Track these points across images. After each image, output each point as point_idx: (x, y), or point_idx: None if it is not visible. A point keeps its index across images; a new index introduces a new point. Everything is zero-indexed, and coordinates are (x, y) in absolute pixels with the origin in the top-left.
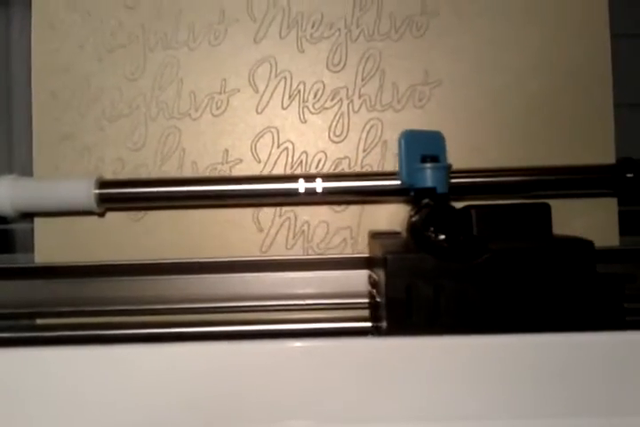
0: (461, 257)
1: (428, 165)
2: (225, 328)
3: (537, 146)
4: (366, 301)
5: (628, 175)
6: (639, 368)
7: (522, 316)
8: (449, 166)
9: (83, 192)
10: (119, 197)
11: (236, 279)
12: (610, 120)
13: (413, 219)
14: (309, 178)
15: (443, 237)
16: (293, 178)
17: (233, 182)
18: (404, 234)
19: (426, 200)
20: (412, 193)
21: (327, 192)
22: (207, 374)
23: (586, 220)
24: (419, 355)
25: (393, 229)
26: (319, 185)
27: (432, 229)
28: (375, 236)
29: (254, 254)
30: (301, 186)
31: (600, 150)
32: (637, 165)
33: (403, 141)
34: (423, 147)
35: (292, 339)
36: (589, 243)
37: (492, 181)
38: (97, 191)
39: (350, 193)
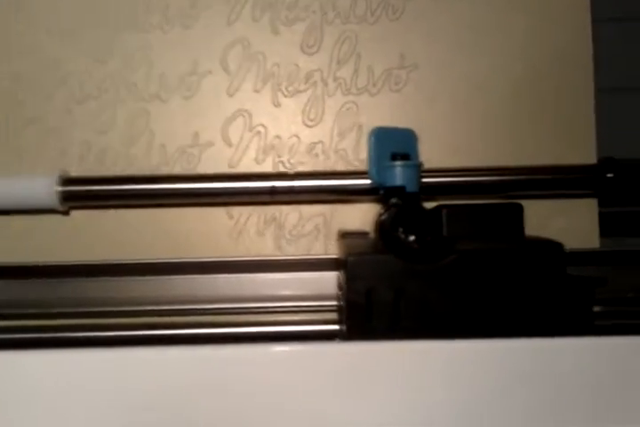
0: (427, 258)
1: (398, 162)
2: (190, 331)
3: (516, 132)
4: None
5: (609, 175)
6: (607, 374)
7: (487, 320)
8: (419, 165)
9: (44, 190)
10: (84, 194)
11: (206, 280)
12: (591, 113)
13: (381, 218)
14: (279, 177)
15: (412, 237)
16: (263, 177)
17: (201, 180)
18: (373, 234)
19: (394, 199)
20: (382, 192)
21: (297, 191)
22: (178, 379)
23: (565, 221)
24: (377, 360)
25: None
26: (289, 184)
27: (400, 229)
28: (344, 235)
29: (223, 242)
30: (271, 185)
31: (582, 141)
32: (618, 166)
33: (373, 139)
34: (394, 144)
35: (263, 343)
36: (559, 245)
37: (466, 181)
38: (60, 189)
39: (320, 192)
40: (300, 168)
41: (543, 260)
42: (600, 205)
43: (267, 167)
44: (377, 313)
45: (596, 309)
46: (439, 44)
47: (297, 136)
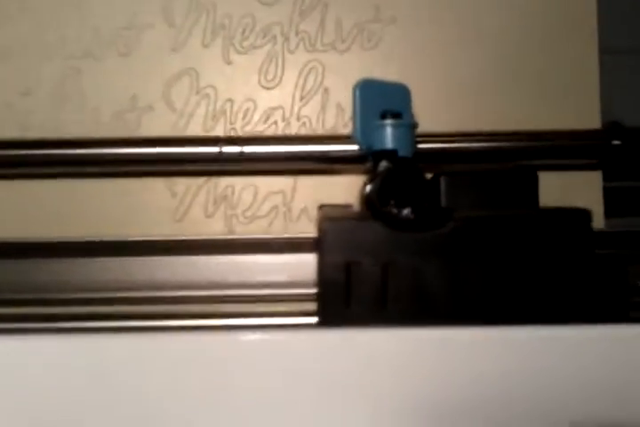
0: (422, 226)
1: (389, 121)
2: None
3: (510, 98)
4: None
5: (615, 142)
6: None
7: (494, 303)
8: (414, 125)
9: None
10: None
11: (154, 263)
12: (595, 75)
13: (368, 187)
14: (236, 141)
15: (406, 210)
16: (213, 141)
17: (134, 145)
18: (359, 206)
19: (384, 164)
20: (370, 158)
21: (256, 158)
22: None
23: (565, 198)
24: (358, 351)
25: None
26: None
27: (391, 200)
28: (324, 209)
29: (165, 223)
30: (225, 150)
31: (584, 108)
32: (625, 132)
33: (358, 92)
34: (383, 101)
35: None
36: (584, 213)
37: (460, 147)
38: None
39: (288, 159)
40: (255, 51)
41: (566, 230)
42: (605, 179)
43: (215, 50)
44: (359, 293)
45: None
46: None
47: (252, 100)
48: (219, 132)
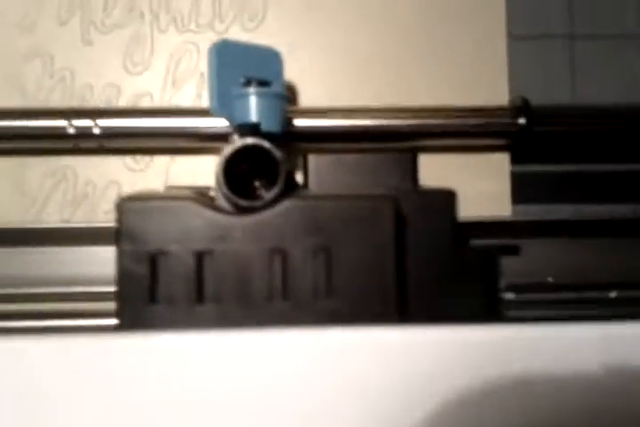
0: (250, 207)
1: (251, 89)
2: None
3: (410, 78)
4: None
5: (520, 121)
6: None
7: (335, 300)
8: (283, 95)
9: None
10: None
11: None
12: (503, 50)
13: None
14: (83, 115)
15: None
16: (59, 114)
17: None
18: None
19: (239, 140)
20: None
21: (107, 135)
22: None
23: (469, 183)
24: (164, 360)
25: None
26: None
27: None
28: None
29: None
30: (72, 126)
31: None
32: (531, 109)
33: (214, 55)
34: (248, 67)
35: None
36: (449, 194)
37: (346, 126)
38: None
39: (139, 135)
40: (119, 31)
41: (430, 213)
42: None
43: (72, 29)
44: (167, 289)
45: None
46: None
47: (116, 85)
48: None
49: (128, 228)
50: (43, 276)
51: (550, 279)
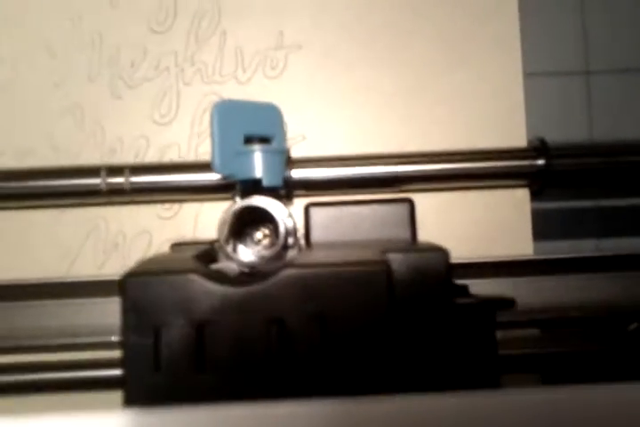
0: (252, 278)
1: (254, 147)
2: None
3: (425, 127)
4: None
5: (539, 162)
6: None
7: (333, 369)
8: (284, 151)
9: None
10: None
11: None
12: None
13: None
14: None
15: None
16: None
17: None
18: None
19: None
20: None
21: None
22: None
23: (490, 220)
24: None
25: None
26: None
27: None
28: (174, 248)
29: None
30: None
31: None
32: (549, 150)
33: (216, 114)
34: (249, 124)
35: None
36: (443, 253)
37: (353, 175)
38: None
39: (161, 190)
40: (147, 85)
41: (417, 277)
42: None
43: (101, 85)
44: (170, 361)
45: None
46: (327, 18)
47: (145, 137)
48: (104, 79)
49: (131, 302)
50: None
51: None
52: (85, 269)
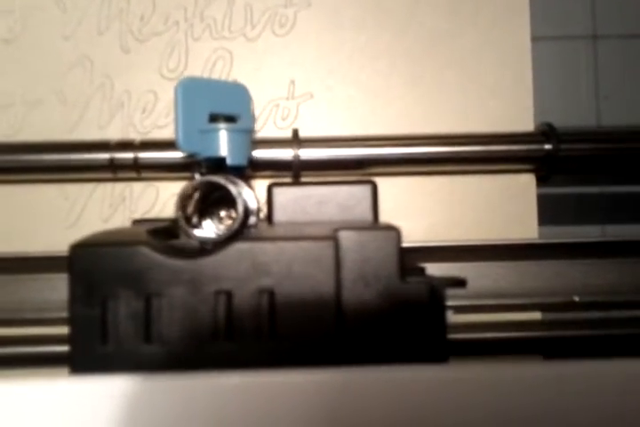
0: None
1: (220, 125)
2: None
3: (432, 90)
4: None
5: (547, 147)
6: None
7: (277, 341)
8: (250, 130)
9: None
10: None
11: None
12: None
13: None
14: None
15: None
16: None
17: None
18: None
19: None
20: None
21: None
22: None
23: (496, 205)
24: (113, 404)
25: None
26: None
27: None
28: (135, 224)
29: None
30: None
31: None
32: (557, 134)
33: (180, 91)
34: (214, 102)
35: None
36: (395, 232)
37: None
38: None
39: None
40: (157, 134)
41: (365, 256)
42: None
43: (113, 132)
44: (117, 333)
45: None
46: None
47: (153, 92)
48: (115, 127)
49: (79, 272)
50: None
51: (576, 298)
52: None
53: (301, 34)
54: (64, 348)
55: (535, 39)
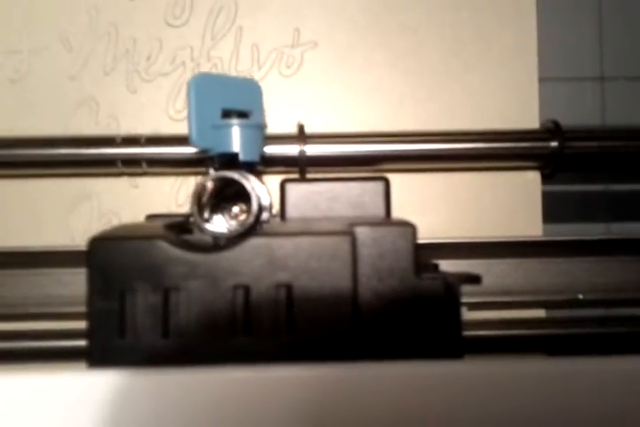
0: (216, 245)
1: (232, 121)
2: None
3: (446, 103)
4: None
5: (552, 144)
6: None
7: (295, 336)
8: (262, 126)
9: None
10: None
11: None
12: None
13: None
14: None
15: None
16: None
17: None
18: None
19: (215, 170)
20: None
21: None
22: None
23: (501, 202)
24: (131, 398)
25: None
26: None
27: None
28: (149, 219)
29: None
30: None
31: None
32: (563, 132)
33: (193, 87)
34: (227, 98)
35: None
36: (411, 228)
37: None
38: None
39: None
40: (162, 79)
41: (381, 251)
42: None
43: (117, 78)
44: (135, 326)
45: None
46: (344, 15)
47: (158, 39)
48: (119, 73)
49: (98, 266)
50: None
51: (580, 296)
52: None
53: (308, 74)
54: (72, 342)
55: (543, 80)
